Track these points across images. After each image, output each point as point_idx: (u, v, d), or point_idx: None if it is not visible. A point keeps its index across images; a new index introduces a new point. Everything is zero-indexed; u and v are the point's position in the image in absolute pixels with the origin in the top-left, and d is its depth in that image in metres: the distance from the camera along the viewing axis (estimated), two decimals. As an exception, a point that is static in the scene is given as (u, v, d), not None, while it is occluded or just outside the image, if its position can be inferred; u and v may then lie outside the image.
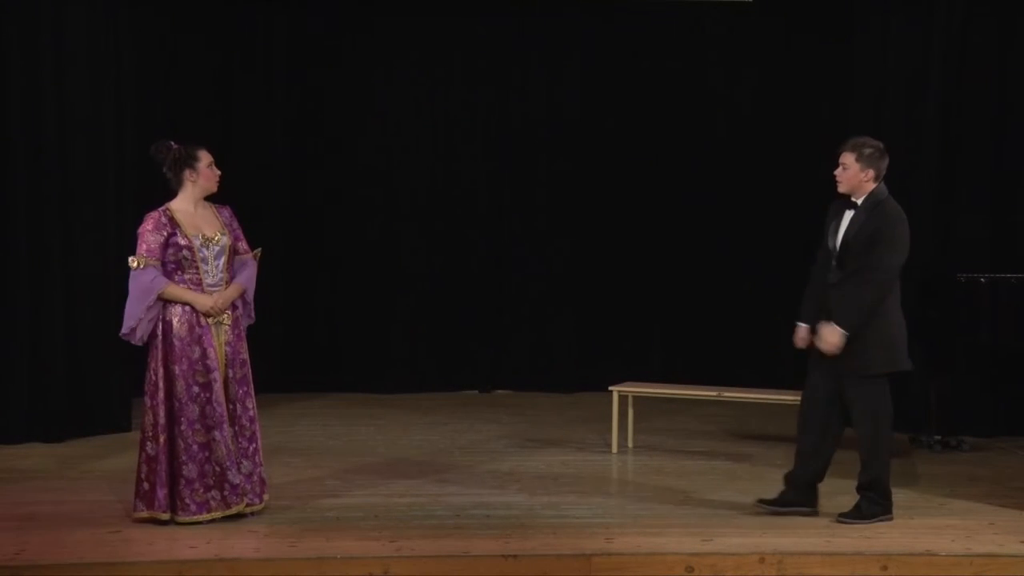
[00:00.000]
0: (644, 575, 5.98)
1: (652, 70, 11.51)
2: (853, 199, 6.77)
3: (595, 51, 11.53)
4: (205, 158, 6.71)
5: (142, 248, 6.54)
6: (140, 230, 6.60)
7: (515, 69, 11.54)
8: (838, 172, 6.79)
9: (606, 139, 11.56)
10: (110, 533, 6.41)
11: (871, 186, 6.74)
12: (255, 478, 6.71)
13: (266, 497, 6.79)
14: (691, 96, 11.52)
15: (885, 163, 6.77)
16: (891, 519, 6.70)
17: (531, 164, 11.58)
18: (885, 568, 6.02)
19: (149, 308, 6.51)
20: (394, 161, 11.50)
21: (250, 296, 6.81)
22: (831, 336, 6.62)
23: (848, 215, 6.77)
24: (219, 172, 6.77)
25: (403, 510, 6.90)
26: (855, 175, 6.74)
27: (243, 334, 6.75)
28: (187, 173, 6.66)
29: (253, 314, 6.86)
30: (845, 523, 6.69)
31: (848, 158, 6.77)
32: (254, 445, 6.71)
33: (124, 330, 6.58)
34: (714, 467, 8.17)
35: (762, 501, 6.94)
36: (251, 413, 6.70)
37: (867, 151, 6.75)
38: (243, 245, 6.83)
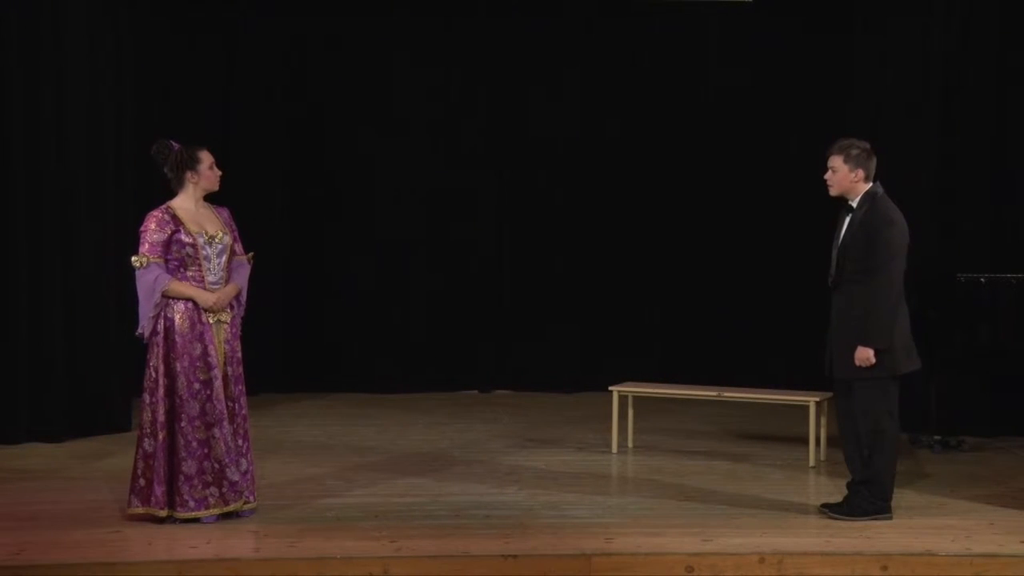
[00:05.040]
0: (644, 575, 5.97)
1: (652, 70, 11.51)
2: (849, 202, 6.76)
3: (596, 51, 11.52)
4: (207, 159, 6.73)
5: (144, 247, 6.56)
6: (142, 228, 6.62)
7: (516, 68, 11.53)
8: (828, 176, 6.77)
9: (606, 139, 11.55)
10: (110, 533, 6.41)
11: (864, 186, 6.73)
12: (249, 476, 6.74)
13: (257, 494, 6.81)
14: (691, 96, 11.51)
15: (873, 162, 6.76)
16: (890, 518, 6.69)
17: (531, 164, 11.57)
18: (885, 568, 6.01)
19: (156, 306, 6.53)
20: (395, 161, 11.48)
21: (243, 298, 6.84)
22: (862, 354, 6.60)
23: (847, 219, 6.77)
24: (220, 172, 6.79)
25: (403, 510, 6.90)
26: (845, 176, 6.73)
27: (239, 333, 6.78)
28: (189, 175, 6.68)
29: (242, 315, 6.89)
30: (827, 515, 6.71)
31: (836, 161, 6.75)
32: (247, 443, 6.75)
33: (139, 329, 6.62)
34: (714, 467, 8.16)
35: (826, 506, 6.89)
36: (244, 411, 6.75)
37: (854, 152, 6.73)
38: (239, 247, 6.86)
